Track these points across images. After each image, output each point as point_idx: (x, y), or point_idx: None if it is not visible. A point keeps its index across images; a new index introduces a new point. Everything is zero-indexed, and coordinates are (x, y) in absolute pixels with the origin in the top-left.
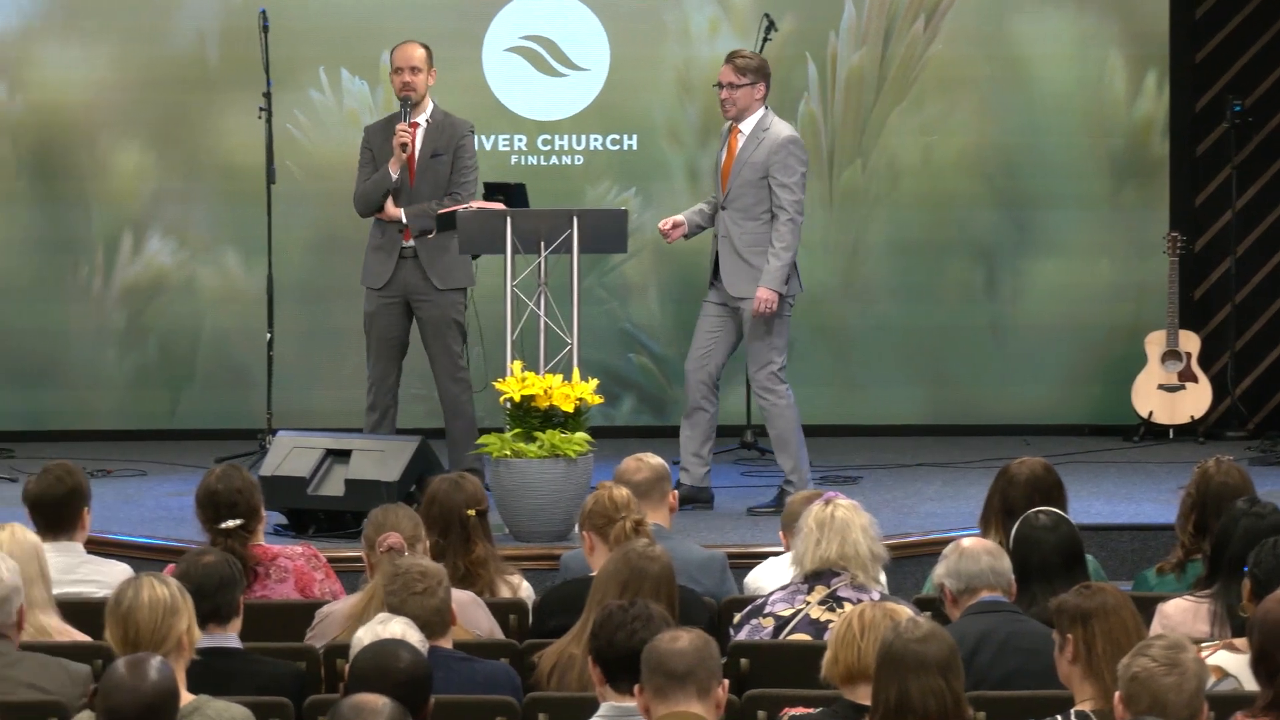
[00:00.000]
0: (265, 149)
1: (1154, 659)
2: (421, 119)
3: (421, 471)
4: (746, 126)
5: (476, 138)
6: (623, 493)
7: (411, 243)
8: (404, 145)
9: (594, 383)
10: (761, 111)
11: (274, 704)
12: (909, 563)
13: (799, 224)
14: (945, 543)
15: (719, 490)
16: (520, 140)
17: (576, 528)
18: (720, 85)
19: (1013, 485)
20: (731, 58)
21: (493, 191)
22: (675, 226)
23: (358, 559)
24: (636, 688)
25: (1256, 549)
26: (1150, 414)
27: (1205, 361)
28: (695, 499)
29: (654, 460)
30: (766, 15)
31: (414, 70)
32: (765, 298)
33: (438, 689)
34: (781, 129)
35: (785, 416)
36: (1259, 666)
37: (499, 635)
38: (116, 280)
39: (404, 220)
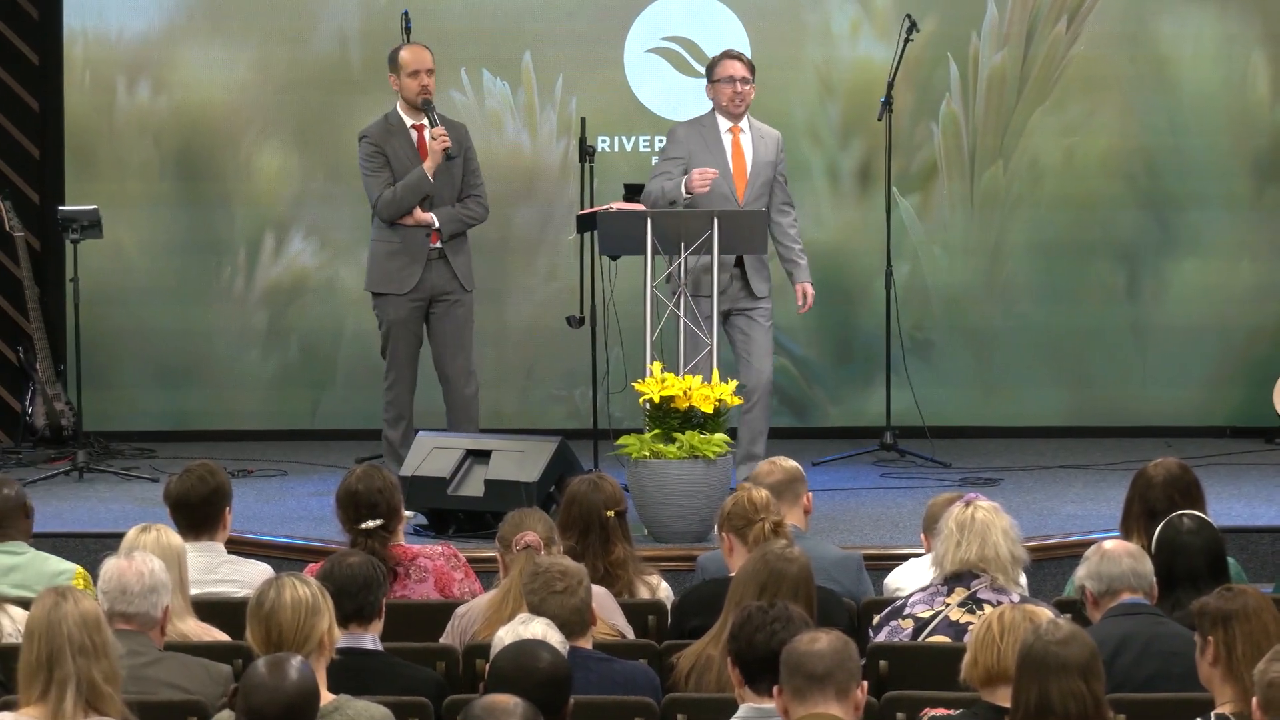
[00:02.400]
0: None
1: None
2: (421, 122)
3: (561, 472)
4: (744, 125)
5: (618, 138)
6: (762, 494)
7: (439, 245)
8: (448, 151)
9: (733, 384)
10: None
11: (414, 704)
12: (1049, 565)
13: None
14: (1086, 545)
15: (856, 492)
16: (661, 141)
17: (715, 529)
18: (747, 80)
19: (1151, 488)
20: (734, 54)
21: (633, 192)
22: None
23: (496, 559)
24: (775, 689)
25: None
26: None
27: None
28: None
29: (788, 463)
30: (908, 16)
31: (430, 72)
32: (813, 293)
33: (577, 689)
34: (768, 126)
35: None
36: None
37: (626, 628)
38: (259, 281)
39: (435, 224)
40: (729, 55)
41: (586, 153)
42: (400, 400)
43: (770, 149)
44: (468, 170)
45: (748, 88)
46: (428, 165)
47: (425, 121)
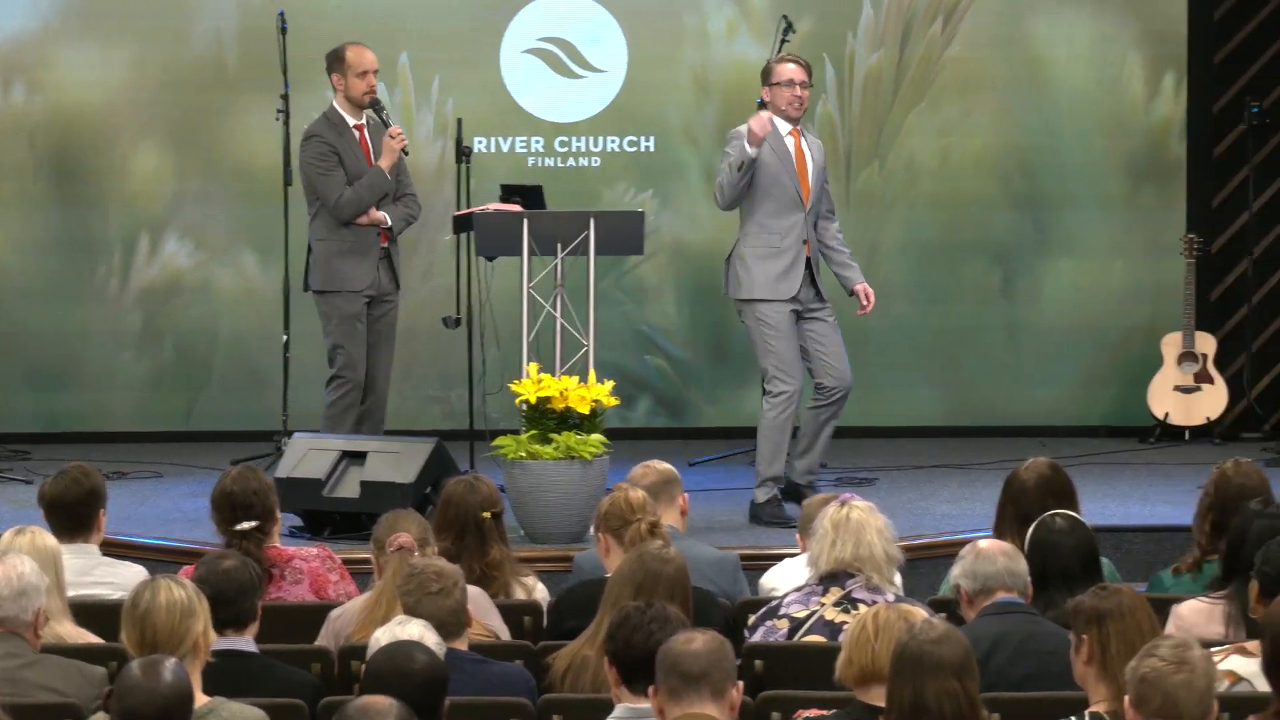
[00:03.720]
0: (282, 150)
1: (1162, 659)
2: (360, 120)
3: (438, 473)
4: (801, 129)
5: (495, 139)
6: (638, 494)
7: (386, 245)
8: (406, 149)
9: (610, 384)
10: None
11: (289, 706)
12: (924, 564)
13: None
14: (961, 544)
15: (730, 492)
16: (537, 142)
17: (592, 529)
18: (807, 85)
19: (1025, 493)
20: (797, 59)
21: (510, 193)
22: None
23: (371, 561)
24: (651, 689)
25: (1264, 548)
26: (1166, 415)
27: (1221, 363)
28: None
29: (662, 465)
30: (784, 17)
31: (376, 73)
32: (872, 292)
33: (453, 690)
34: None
35: (765, 420)
36: (1271, 670)
37: (502, 630)
38: (134, 282)
39: (388, 223)
40: (789, 59)
41: (463, 153)
42: (355, 394)
43: (821, 155)
44: (401, 169)
45: (807, 91)
46: (385, 164)
47: (364, 120)
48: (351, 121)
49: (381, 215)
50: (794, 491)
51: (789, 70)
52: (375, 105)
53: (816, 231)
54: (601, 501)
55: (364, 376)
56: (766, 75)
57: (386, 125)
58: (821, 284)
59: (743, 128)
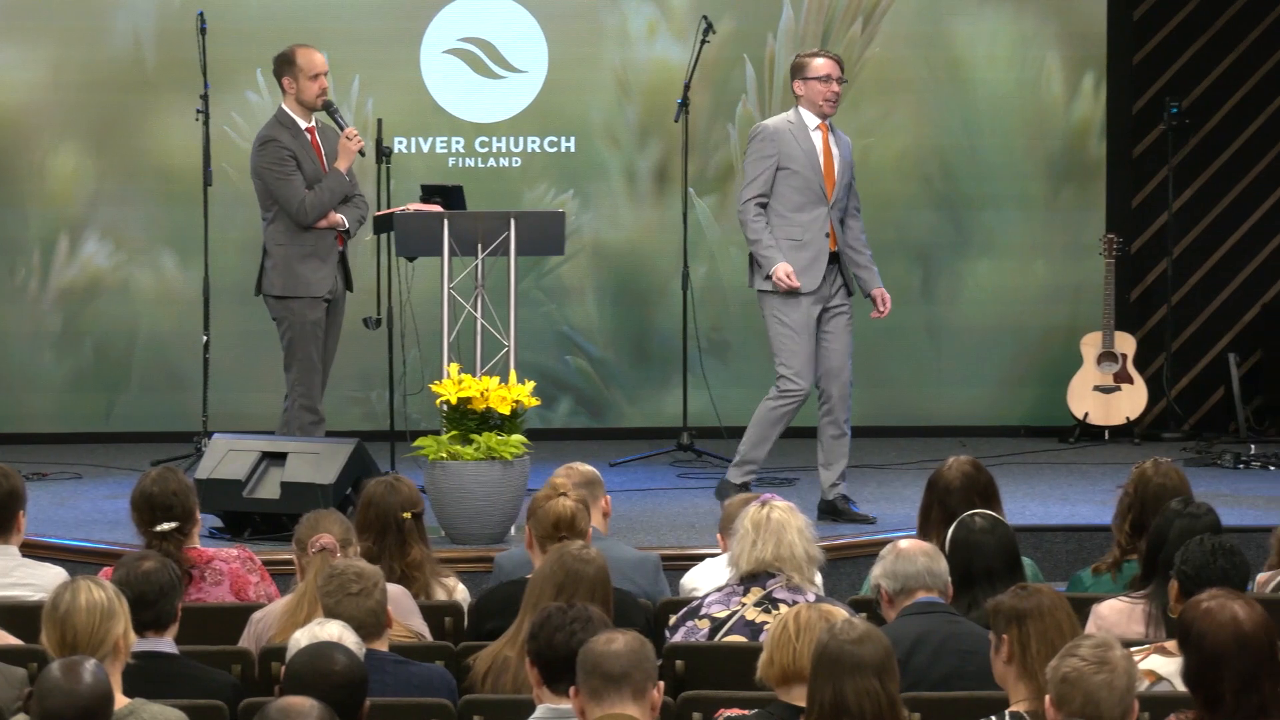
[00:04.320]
0: (202, 151)
1: (1083, 658)
2: (311, 123)
3: (358, 474)
4: (829, 124)
5: (415, 139)
6: (569, 508)
7: (342, 247)
8: (362, 150)
9: (531, 385)
10: None
11: (210, 707)
12: (845, 564)
13: None
14: (881, 544)
15: (653, 492)
16: (458, 142)
17: (524, 520)
18: (842, 79)
19: (950, 492)
20: (829, 54)
21: (430, 194)
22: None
23: (293, 562)
24: (572, 689)
25: (1183, 548)
26: (1086, 415)
27: (1141, 363)
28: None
29: (583, 467)
30: (705, 17)
31: (327, 74)
32: (889, 297)
33: (373, 692)
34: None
35: (760, 409)
36: (1194, 687)
37: (423, 629)
38: (53, 283)
39: (345, 225)
40: (822, 54)
41: (383, 154)
42: (313, 397)
43: (848, 152)
44: (350, 172)
45: (842, 86)
46: (342, 165)
47: (314, 122)
48: (303, 124)
49: (339, 218)
50: (829, 509)
51: (824, 65)
52: (329, 107)
53: (843, 228)
54: (537, 497)
55: (324, 381)
56: (799, 70)
57: (341, 127)
58: (851, 280)
59: (770, 126)
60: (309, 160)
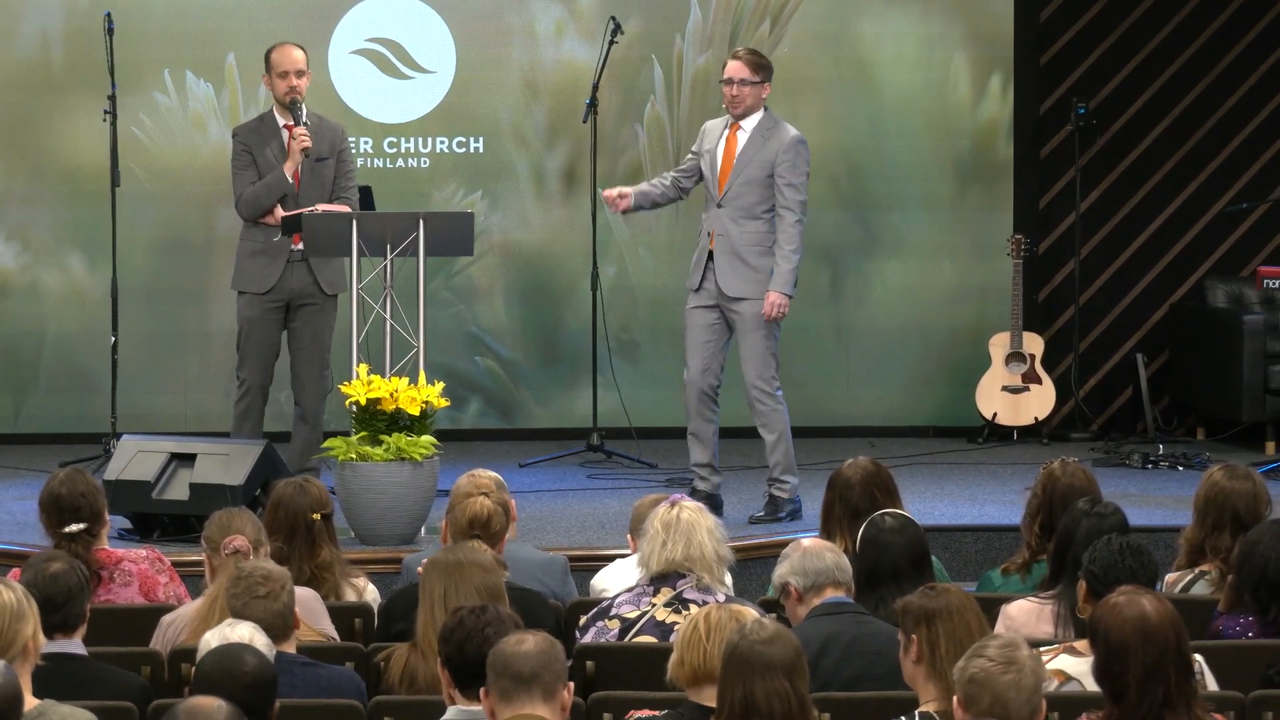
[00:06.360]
0: (110, 152)
1: (990, 659)
2: (298, 121)
3: (267, 475)
4: (748, 124)
5: None
6: (489, 482)
7: (301, 247)
8: (306, 150)
9: (440, 386)
10: (763, 111)
11: (119, 709)
12: (755, 565)
13: (804, 225)
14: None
15: (563, 493)
16: (366, 143)
17: (423, 530)
18: (731, 81)
19: (851, 488)
20: (741, 55)
21: None
22: (622, 196)
23: (203, 563)
24: (482, 691)
25: (1091, 548)
26: (994, 416)
27: (1049, 363)
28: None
29: (486, 474)
30: (613, 18)
31: (299, 73)
32: (778, 301)
33: (282, 693)
34: (789, 129)
35: (783, 421)
36: (1102, 680)
37: (332, 631)
38: None
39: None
40: (731, 54)
41: None
42: (249, 396)
43: (768, 149)
44: (341, 172)
45: (741, 89)
46: (288, 165)
47: (307, 122)
48: (282, 122)
49: (280, 215)
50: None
51: (726, 69)
52: (294, 106)
53: (739, 226)
54: (457, 494)
55: (263, 380)
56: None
57: (297, 125)
58: (738, 279)
59: (709, 124)
60: (274, 157)
